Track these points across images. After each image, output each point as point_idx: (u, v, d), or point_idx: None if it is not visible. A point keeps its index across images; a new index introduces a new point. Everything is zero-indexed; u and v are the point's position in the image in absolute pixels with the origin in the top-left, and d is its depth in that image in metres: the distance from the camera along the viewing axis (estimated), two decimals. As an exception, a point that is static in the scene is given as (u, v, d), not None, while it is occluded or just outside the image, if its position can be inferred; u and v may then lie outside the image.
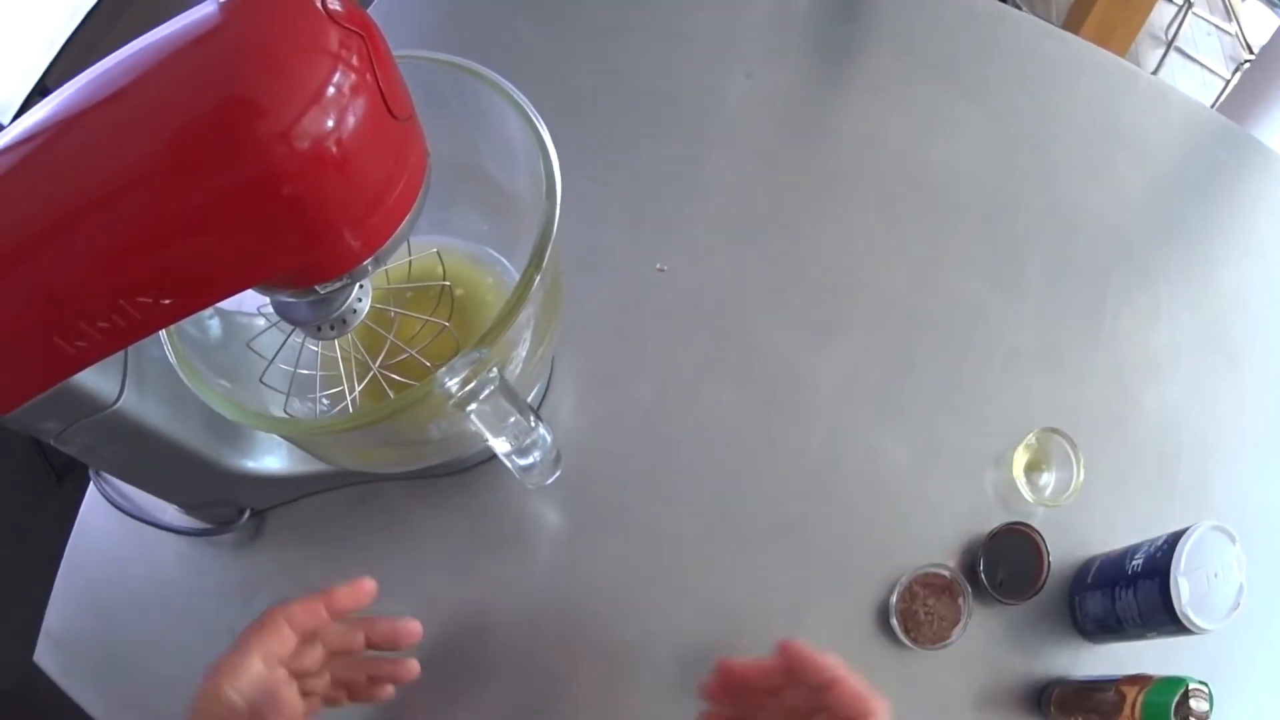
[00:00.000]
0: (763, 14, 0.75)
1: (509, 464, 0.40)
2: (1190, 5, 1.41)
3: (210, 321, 0.46)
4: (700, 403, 0.58)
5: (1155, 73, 1.44)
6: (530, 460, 0.39)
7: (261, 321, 0.47)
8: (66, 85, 0.31)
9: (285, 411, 0.44)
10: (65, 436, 0.40)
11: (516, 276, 0.53)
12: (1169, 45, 1.43)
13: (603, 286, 0.60)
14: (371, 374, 0.46)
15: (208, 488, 0.50)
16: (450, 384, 0.35)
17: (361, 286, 0.39)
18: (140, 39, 0.31)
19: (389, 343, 0.45)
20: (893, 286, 0.62)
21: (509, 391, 0.37)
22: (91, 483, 0.57)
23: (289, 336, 0.43)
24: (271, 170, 0.28)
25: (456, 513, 0.55)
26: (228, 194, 0.29)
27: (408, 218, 0.35)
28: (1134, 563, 0.49)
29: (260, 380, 0.44)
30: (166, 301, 0.32)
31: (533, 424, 0.38)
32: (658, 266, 0.61)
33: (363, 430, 0.37)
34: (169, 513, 0.54)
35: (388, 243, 0.34)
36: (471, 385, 0.36)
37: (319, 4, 0.30)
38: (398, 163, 0.33)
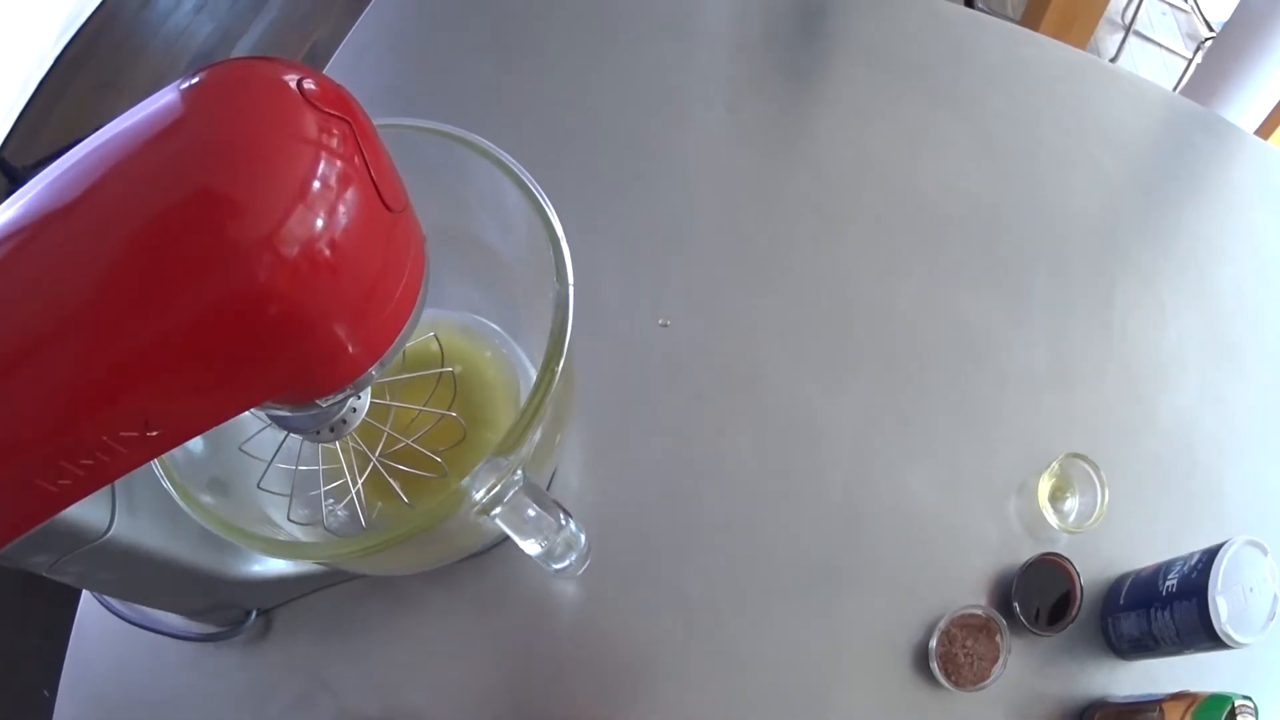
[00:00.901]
0: (729, 44, 0.72)
1: (540, 564, 0.37)
2: (1146, -12, 1.41)
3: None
4: (717, 455, 0.55)
5: (1116, 58, 1.45)
6: (565, 564, 0.37)
7: (250, 418, 0.43)
8: (15, 195, 0.28)
9: (289, 518, 0.40)
10: (58, 568, 0.37)
11: (515, 347, 0.51)
12: (1127, 29, 1.43)
13: (604, 348, 0.57)
14: (371, 465, 0.43)
15: (211, 595, 0.46)
16: (477, 495, 0.32)
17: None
18: (95, 135, 0.27)
19: (386, 435, 0.42)
20: (898, 314, 0.60)
21: (535, 491, 0.34)
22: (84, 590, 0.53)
23: (285, 439, 0.40)
24: (257, 281, 0.24)
25: (471, 595, 0.52)
26: (209, 312, 0.25)
27: (411, 316, 0.31)
28: (1168, 583, 0.48)
29: (258, 486, 0.41)
30: (154, 434, 0.28)
31: (562, 521, 0.35)
32: (660, 321, 0.59)
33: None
34: (171, 617, 0.51)
35: (392, 346, 0.31)
36: (496, 490, 0.33)
37: (293, 85, 0.26)
38: (397, 258, 0.29)
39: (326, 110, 0.26)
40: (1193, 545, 0.49)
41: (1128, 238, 0.64)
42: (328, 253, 0.25)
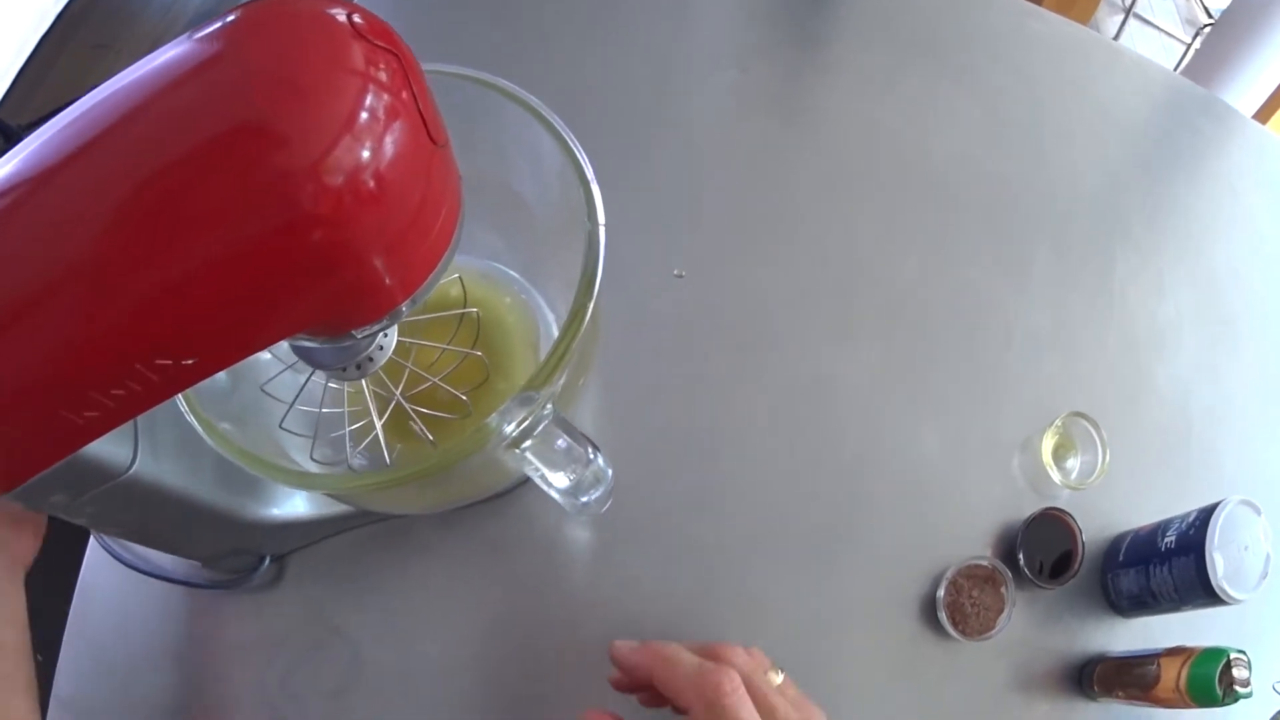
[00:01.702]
0: (741, 11, 0.72)
1: (564, 501, 0.37)
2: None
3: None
4: (731, 411, 0.55)
5: (1116, 39, 1.45)
6: (589, 497, 0.36)
7: (270, 359, 0.42)
8: (51, 122, 0.27)
9: (312, 457, 0.39)
10: (75, 508, 0.36)
11: (534, 294, 0.50)
12: (1128, 12, 1.44)
13: (622, 297, 0.57)
14: (393, 404, 0.42)
15: (227, 540, 0.46)
16: (508, 429, 0.31)
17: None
18: (131, 69, 0.26)
19: (409, 373, 0.41)
20: (907, 278, 0.60)
21: (565, 424, 0.33)
22: (91, 538, 0.52)
23: (309, 378, 0.39)
24: (301, 211, 0.24)
25: (484, 541, 0.52)
26: (252, 239, 0.24)
27: (447, 253, 0.31)
28: (1166, 540, 0.49)
29: (280, 426, 0.40)
30: (188, 362, 0.28)
31: (590, 454, 0.35)
32: (675, 272, 0.58)
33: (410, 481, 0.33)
34: (181, 564, 0.50)
35: (427, 281, 0.31)
36: (526, 423, 0.32)
37: (342, 18, 0.25)
38: (437, 194, 0.29)
39: (376, 43, 0.25)
40: (1188, 506, 0.50)
41: (1128, 213, 0.65)
42: (373, 184, 0.25)
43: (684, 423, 0.55)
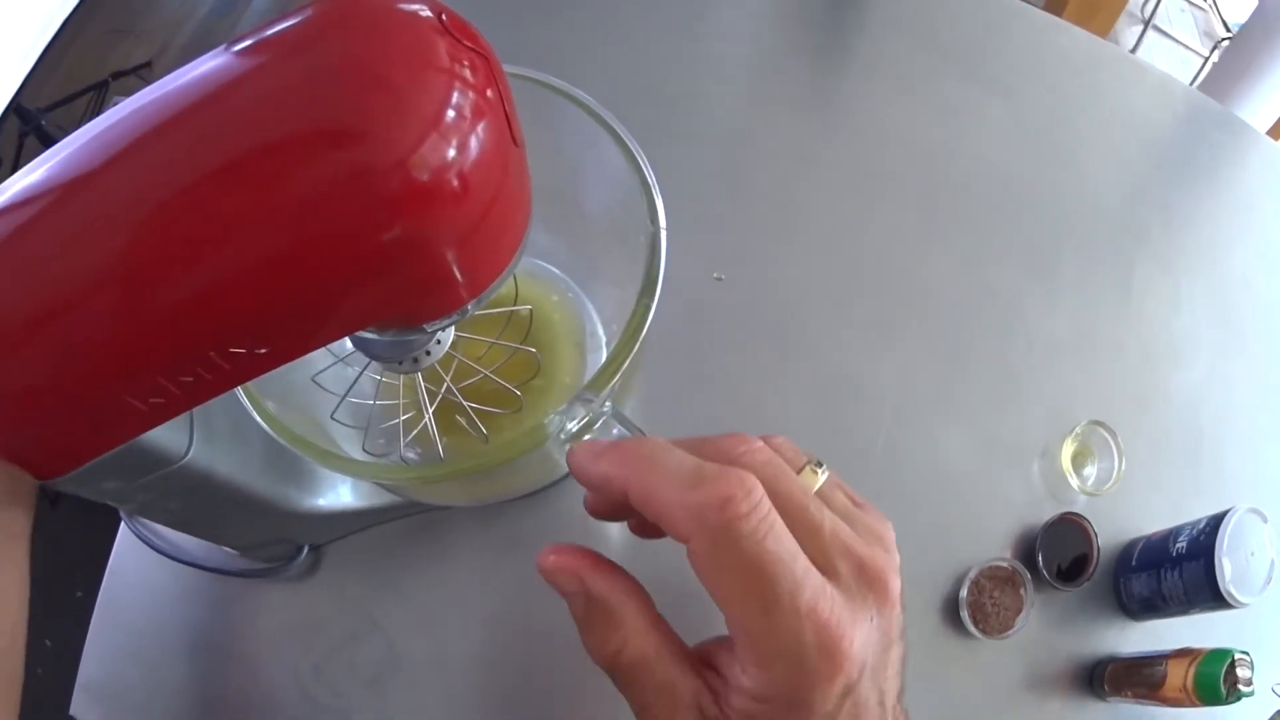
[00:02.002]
0: (773, 10, 0.72)
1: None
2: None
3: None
4: (766, 408, 0.56)
5: (1134, 51, 1.46)
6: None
7: (324, 356, 0.42)
8: (122, 104, 0.26)
9: (365, 449, 0.40)
10: (127, 494, 0.36)
11: (580, 295, 0.50)
12: (1146, 24, 1.45)
13: (662, 298, 0.57)
14: (442, 398, 0.42)
15: (270, 529, 0.46)
16: (571, 426, 0.32)
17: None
18: (201, 59, 0.26)
19: (457, 363, 0.42)
20: (937, 280, 0.61)
21: (623, 419, 0.34)
22: (123, 524, 0.52)
23: (362, 371, 0.39)
24: (384, 207, 0.24)
25: (520, 538, 0.52)
26: (333, 234, 0.24)
27: (517, 253, 0.31)
28: (1178, 545, 0.50)
29: (332, 417, 0.40)
30: (261, 351, 0.27)
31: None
32: (715, 275, 0.59)
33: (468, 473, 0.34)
34: (214, 552, 0.50)
35: (496, 281, 0.31)
36: (587, 420, 0.33)
37: (430, 15, 0.25)
38: (515, 194, 0.29)
39: (464, 41, 0.26)
40: (1198, 513, 0.52)
41: (1147, 223, 0.66)
42: (456, 183, 0.25)
43: (720, 419, 0.55)
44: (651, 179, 0.37)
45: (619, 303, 0.42)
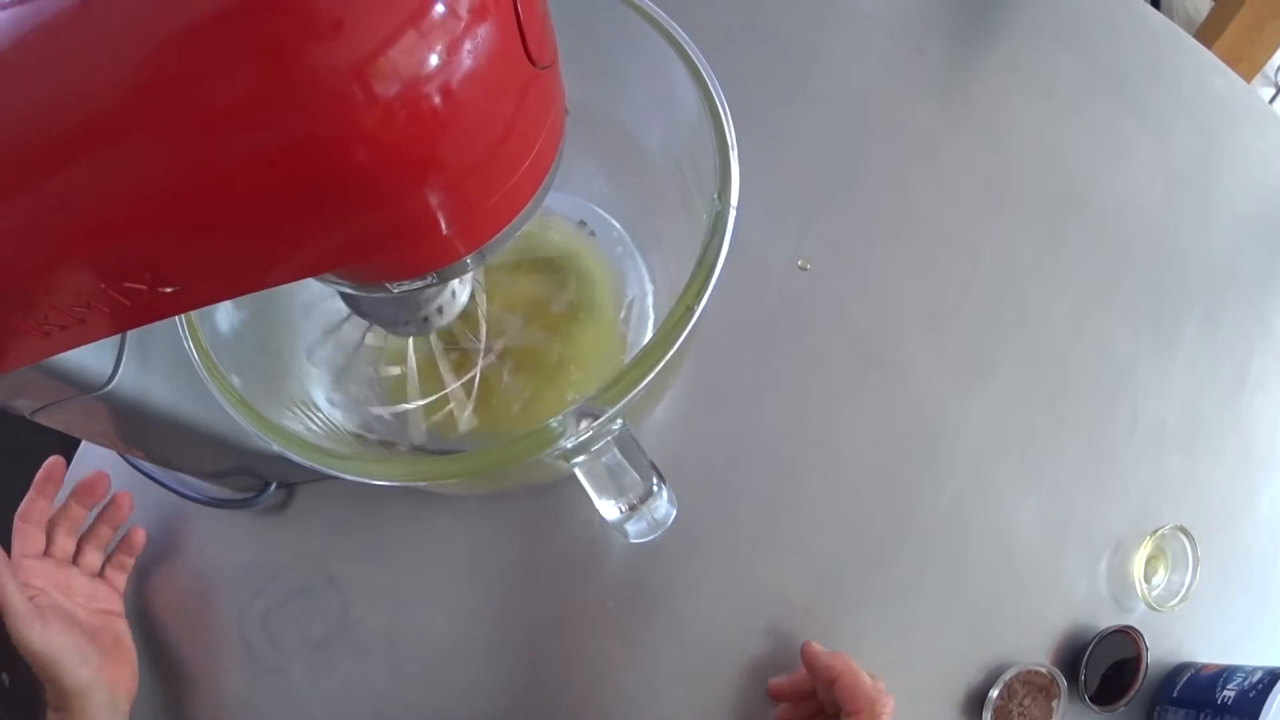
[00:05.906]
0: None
1: (613, 527, 0.28)
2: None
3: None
4: (830, 433, 0.45)
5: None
6: (639, 526, 0.27)
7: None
8: None
9: (329, 401, 0.31)
10: (44, 414, 0.28)
11: (635, 255, 0.39)
12: (1278, 89, 1.25)
13: (732, 280, 0.45)
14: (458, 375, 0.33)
15: (225, 460, 0.38)
16: (566, 444, 0.22)
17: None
18: None
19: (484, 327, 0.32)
20: (1051, 324, 0.49)
21: (630, 446, 0.24)
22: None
23: (367, 331, 0.30)
24: (340, 120, 0.16)
25: (517, 525, 0.43)
26: (268, 152, 0.16)
27: (531, 202, 0.22)
28: (1225, 693, 0.42)
29: (307, 359, 0.31)
30: (167, 290, 0.19)
31: (654, 487, 0.25)
32: (799, 263, 0.47)
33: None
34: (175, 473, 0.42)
35: (500, 234, 0.21)
36: (586, 437, 0.23)
37: None
38: (528, 127, 0.20)
39: None
40: (1258, 656, 0.44)
41: (1274, 306, 0.53)
42: (439, 101, 0.16)
43: (774, 438, 0.45)
44: (732, 140, 0.26)
45: (673, 271, 0.32)
